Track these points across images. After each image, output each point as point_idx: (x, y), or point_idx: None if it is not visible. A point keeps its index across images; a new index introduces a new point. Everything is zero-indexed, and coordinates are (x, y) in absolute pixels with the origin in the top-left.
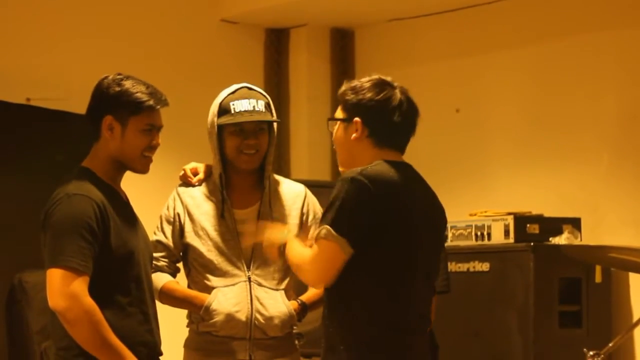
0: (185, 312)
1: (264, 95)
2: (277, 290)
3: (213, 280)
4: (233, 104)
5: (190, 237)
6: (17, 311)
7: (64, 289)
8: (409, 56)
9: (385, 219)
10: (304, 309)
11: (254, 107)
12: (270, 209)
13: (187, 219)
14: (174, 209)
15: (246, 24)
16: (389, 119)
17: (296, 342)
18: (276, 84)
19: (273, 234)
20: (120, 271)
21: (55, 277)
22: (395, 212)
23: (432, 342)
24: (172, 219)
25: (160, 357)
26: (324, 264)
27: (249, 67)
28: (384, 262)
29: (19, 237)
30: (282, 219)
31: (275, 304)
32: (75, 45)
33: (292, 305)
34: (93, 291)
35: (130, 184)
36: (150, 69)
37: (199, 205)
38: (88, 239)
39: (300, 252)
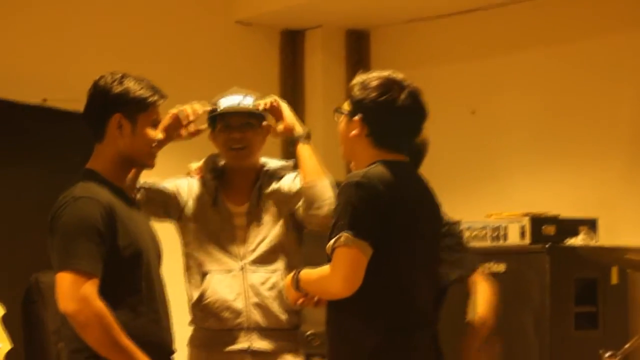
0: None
1: (255, 95)
2: (273, 273)
3: (207, 263)
4: (220, 102)
5: (188, 217)
6: (34, 311)
7: (74, 293)
8: (424, 58)
9: (390, 219)
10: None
11: (239, 102)
12: (260, 208)
13: (190, 200)
14: (182, 185)
15: (261, 25)
16: (388, 121)
17: (314, 343)
18: (291, 85)
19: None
20: (130, 271)
21: (65, 281)
22: (398, 211)
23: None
24: (177, 188)
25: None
26: (348, 271)
27: (264, 69)
28: (390, 261)
29: (36, 237)
30: (272, 217)
31: (271, 290)
32: (91, 47)
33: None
34: (103, 293)
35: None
36: (166, 70)
37: (201, 194)
38: (96, 241)
39: (317, 270)
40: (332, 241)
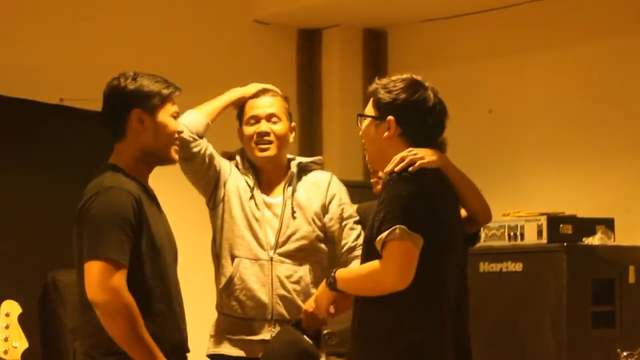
0: (213, 299)
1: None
2: (300, 267)
3: (238, 247)
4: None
5: (227, 199)
6: (51, 309)
7: (105, 282)
8: (441, 57)
9: (435, 214)
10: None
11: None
12: (294, 201)
13: (230, 182)
14: (227, 166)
15: (278, 24)
16: (423, 120)
17: (329, 340)
18: (308, 84)
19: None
20: (147, 268)
21: (94, 270)
22: (440, 207)
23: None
24: (221, 163)
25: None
26: (404, 264)
27: (282, 68)
28: (433, 256)
29: (53, 236)
30: (304, 212)
31: (297, 284)
32: (109, 46)
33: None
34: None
35: (161, 180)
36: (183, 70)
37: (240, 180)
38: (127, 233)
39: (360, 267)
40: (385, 234)
